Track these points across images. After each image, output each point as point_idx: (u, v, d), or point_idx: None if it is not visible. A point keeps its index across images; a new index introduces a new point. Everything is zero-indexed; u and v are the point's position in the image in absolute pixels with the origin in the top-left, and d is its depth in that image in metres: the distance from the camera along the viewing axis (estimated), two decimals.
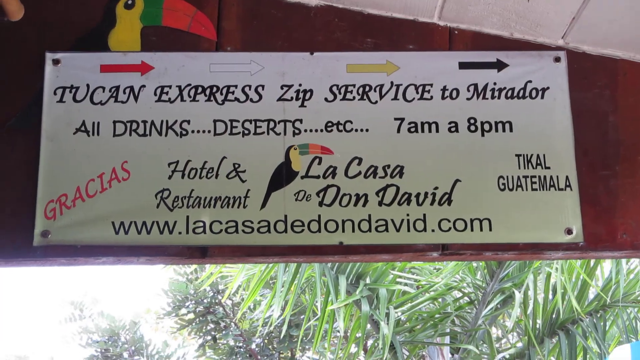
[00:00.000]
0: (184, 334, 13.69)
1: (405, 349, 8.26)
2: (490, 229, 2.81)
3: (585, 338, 7.84)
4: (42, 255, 2.78)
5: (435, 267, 8.34)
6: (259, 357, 12.26)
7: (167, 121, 2.92)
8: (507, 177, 2.88)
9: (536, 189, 2.86)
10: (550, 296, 8.00)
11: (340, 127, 2.93)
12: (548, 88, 3.00)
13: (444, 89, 2.99)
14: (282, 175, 2.86)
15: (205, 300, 12.45)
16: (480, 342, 8.43)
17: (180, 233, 2.78)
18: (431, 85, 2.99)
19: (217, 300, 12.46)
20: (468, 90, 2.99)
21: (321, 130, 2.93)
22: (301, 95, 2.96)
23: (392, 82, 2.99)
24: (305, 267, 7.39)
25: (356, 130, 2.93)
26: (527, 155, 2.91)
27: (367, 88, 2.98)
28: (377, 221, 2.81)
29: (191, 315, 12.71)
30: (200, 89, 2.95)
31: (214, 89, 2.95)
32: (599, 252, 2.87)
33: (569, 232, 2.81)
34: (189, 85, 2.95)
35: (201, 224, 2.79)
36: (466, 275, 8.08)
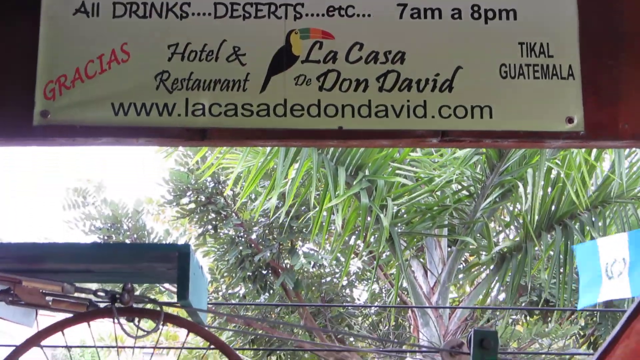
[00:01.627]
0: (185, 224, 13.83)
1: (403, 241, 8.36)
2: (491, 117, 2.79)
3: (583, 233, 7.92)
4: (42, 135, 2.78)
5: (434, 160, 8.36)
6: (259, 247, 12.41)
7: (167, 3, 2.87)
8: (510, 65, 2.85)
9: (538, 78, 2.83)
10: (549, 191, 8.05)
11: (342, 12, 2.88)
12: None
13: None
14: (282, 59, 2.82)
15: (206, 191, 12.53)
16: (478, 235, 8.53)
17: (179, 115, 2.76)
18: None
19: (217, 191, 12.54)
20: None
21: (322, 15, 2.88)
22: None
23: None
24: (304, 158, 7.40)
25: (358, 15, 2.88)
26: (530, 43, 2.87)
27: None
28: (377, 107, 2.79)
29: (192, 205, 12.81)
30: None
31: None
32: (600, 142, 2.87)
33: (570, 120, 2.80)
34: None
35: (200, 107, 2.77)
36: (466, 168, 8.10)
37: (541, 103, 2.81)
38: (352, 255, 10.63)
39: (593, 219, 7.82)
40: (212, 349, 2.78)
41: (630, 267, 4.32)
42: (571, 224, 7.87)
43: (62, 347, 3.29)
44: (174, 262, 2.68)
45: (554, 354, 11.63)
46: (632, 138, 2.84)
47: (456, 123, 2.79)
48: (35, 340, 2.73)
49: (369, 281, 13.46)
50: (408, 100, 2.80)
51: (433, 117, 2.79)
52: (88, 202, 13.81)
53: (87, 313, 2.79)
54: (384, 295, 13.88)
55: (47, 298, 2.92)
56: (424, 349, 8.34)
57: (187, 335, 2.95)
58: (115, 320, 2.72)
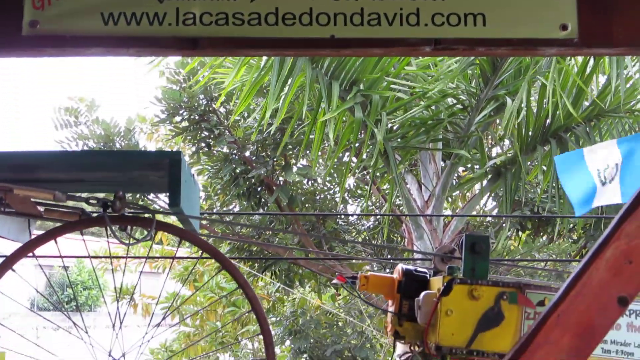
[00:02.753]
0: (179, 142, 13.81)
1: (397, 155, 8.37)
2: (484, 24, 2.76)
3: (578, 147, 7.92)
4: (31, 45, 2.74)
5: (429, 75, 8.30)
6: (253, 164, 12.42)
7: None
8: None
9: None
10: (544, 104, 8.02)
11: None
12: None
13: None
14: None
15: (199, 108, 12.48)
16: (472, 149, 8.53)
17: (170, 24, 2.72)
18: None
19: (210, 108, 12.49)
20: None
21: None
22: None
23: None
24: (298, 72, 7.34)
25: None
26: None
27: None
28: (369, 15, 2.74)
29: (185, 123, 12.78)
30: None
31: None
32: (593, 49, 2.84)
33: (564, 27, 2.76)
34: None
35: (191, 16, 2.73)
36: (460, 82, 8.05)
37: (535, 10, 2.77)
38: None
39: (588, 132, 7.81)
40: (205, 258, 2.81)
41: (621, 173, 4.34)
42: (566, 137, 7.87)
43: (55, 257, 3.31)
44: (165, 169, 2.68)
45: (545, 261, 11.74)
46: (626, 45, 2.81)
47: (449, 31, 2.75)
48: (27, 249, 2.75)
49: (362, 198, 13.51)
50: (401, 8, 2.75)
51: (426, 25, 2.75)
52: (80, 121, 13.76)
53: (79, 221, 2.80)
54: (377, 211, 13.95)
55: (40, 208, 2.93)
56: (416, 256, 8.41)
57: (180, 243, 2.97)
58: (108, 229, 2.74)
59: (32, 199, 2.85)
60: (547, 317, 1.65)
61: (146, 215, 2.92)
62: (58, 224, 2.91)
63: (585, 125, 7.89)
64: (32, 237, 2.98)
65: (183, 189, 2.65)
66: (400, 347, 3.45)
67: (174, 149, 14.39)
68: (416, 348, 2.69)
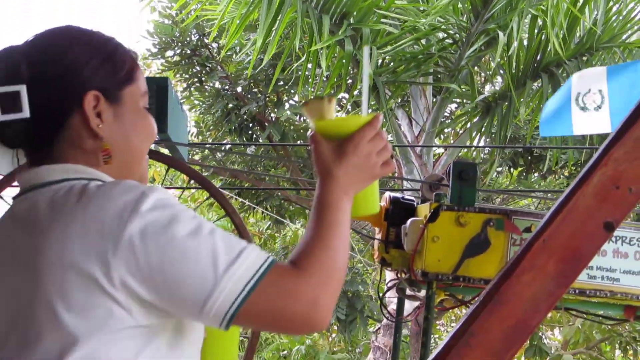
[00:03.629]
0: (171, 78, 13.71)
1: (388, 90, 8.33)
2: None
3: None
4: None
5: (420, 9, 8.21)
6: (245, 100, 12.36)
7: None
8: None
9: None
10: (535, 39, 7.95)
11: None
12: None
13: None
14: None
15: (190, 43, 12.37)
16: (463, 83, 8.49)
17: None
18: None
19: (202, 43, 12.38)
20: None
21: None
22: None
23: None
24: (288, 7, 7.25)
25: None
26: None
27: None
28: None
29: (177, 58, 12.69)
30: None
31: None
32: None
33: None
34: None
35: None
36: (450, 16, 7.96)
37: None
38: (338, 108, 10.60)
39: (580, 66, 7.75)
40: (194, 188, 2.80)
41: (610, 102, 4.31)
42: (557, 72, 7.81)
43: None
44: (152, 96, 2.65)
45: (532, 191, 11.78)
46: None
47: None
48: (12, 179, 2.72)
49: None
50: None
51: None
52: None
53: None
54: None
55: None
56: (405, 186, 8.41)
57: (167, 171, 2.96)
58: None
59: None
60: (532, 243, 1.64)
61: None
62: None
63: (578, 59, 7.83)
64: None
65: (170, 115, 2.63)
66: (389, 276, 3.46)
67: None
68: (403, 275, 2.70)
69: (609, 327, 12.24)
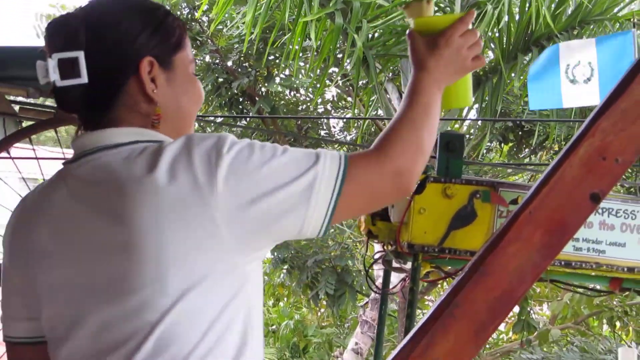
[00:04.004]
0: None
1: (378, 64, 8.29)
2: None
3: None
4: None
5: None
6: (235, 74, 12.31)
7: None
8: None
9: None
10: (526, 11, 7.92)
11: None
12: None
13: None
14: None
15: (180, 17, 12.30)
16: None
17: None
18: None
19: (193, 17, 12.31)
20: None
21: None
22: None
23: None
24: None
25: None
26: None
27: None
28: None
29: None
30: None
31: None
32: None
33: None
34: None
35: None
36: None
37: None
38: (328, 82, 10.57)
39: (571, 39, 7.72)
40: None
41: (600, 74, 4.29)
42: (549, 45, 7.78)
43: (31, 158, 3.27)
44: None
45: (518, 165, 11.79)
46: None
47: None
48: (2, 147, 2.70)
49: (345, 110, 13.46)
50: None
51: None
52: None
53: (52, 119, 2.76)
54: (359, 123, 13.95)
55: (15, 107, 2.88)
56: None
57: None
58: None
59: (5, 97, 2.79)
60: (519, 214, 1.63)
61: None
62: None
63: (569, 32, 7.80)
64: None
65: None
66: (377, 249, 3.46)
67: None
68: (389, 247, 2.69)
69: (598, 302, 12.31)
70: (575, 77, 4.37)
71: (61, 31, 1.51)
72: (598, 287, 2.77)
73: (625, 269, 2.43)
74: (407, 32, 1.77)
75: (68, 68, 1.48)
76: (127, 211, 1.38)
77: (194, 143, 1.42)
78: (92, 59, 1.49)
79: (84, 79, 1.48)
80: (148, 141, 1.50)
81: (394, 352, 1.56)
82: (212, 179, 1.38)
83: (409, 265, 2.59)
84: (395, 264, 2.81)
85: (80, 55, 1.48)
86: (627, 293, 2.81)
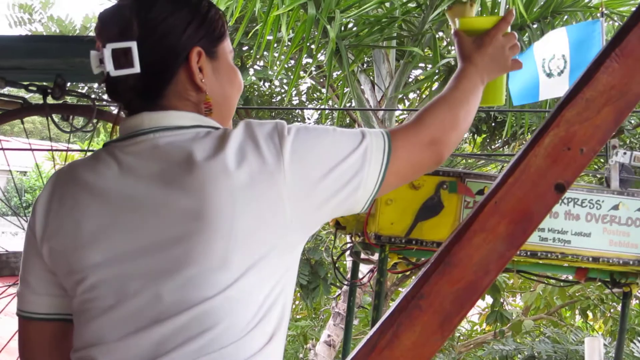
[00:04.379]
0: None
1: (350, 54, 8.27)
2: None
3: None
4: None
5: None
6: None
7: None
8: None
9: None
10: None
11: None
12: None
13: None
14: None
15: None
16: (427, 47, 8.45)
17: None
18: None
19: None
20: None
21: None
22: None
23: None
24: None
25: None
26: None
27: None
28: None
29: None
30: None
31: None
32: None
33: None
34: None
35: None
36: None
37: None
38: (302, 73, 10.53)
39: (543, 30, 7.75)
40: None
41: (571, 66, 4.31)
42: (521, 35, 7.81)
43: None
44: None
45: (487, 155, 11.84)
46: None
47: None
48: None
49: (319, 101, 13.44)
50: None
51: None
52: (34, 18, 13.42)
53: (19, 109, 2.73)
54: (334, 115, 13.94)
55: None
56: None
57: (113, 129, 2.91)
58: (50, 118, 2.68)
59: None
60: (484, 205, 1.63)
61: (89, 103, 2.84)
62: None
63: (541, 22, 7.83)
64: None
65: None
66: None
67: None
68: (357, 238, 2.68)
69: (570, 293, 12.39)
70: (551, 70, 4.39)
71: (115, 21, 1.58)
72: (571, 277, 2.78)
73: (590, 259, 2.44)
74: (453, 31, 1.90)
75: (122, 58, 1.54)
76: (201, 185, 1.44)
77: (255, 128, 1.52)
78: (144, 49, 1.55)
79: (137, 68, 1.54)
80: (209, 127, 1.57)
81: (360, 343, 1.56)
82: (279, 158, 1.47)
83: (377, 257, 2.59)
84: (363, 256, 2.81)
85: (133, 45, 1.54)
86: (599, 283, 2.83)
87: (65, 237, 1.56)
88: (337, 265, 2.99)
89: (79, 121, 3.09)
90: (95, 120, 2.70)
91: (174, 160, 1.49)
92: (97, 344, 1.50)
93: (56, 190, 1.63)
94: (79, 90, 2.93)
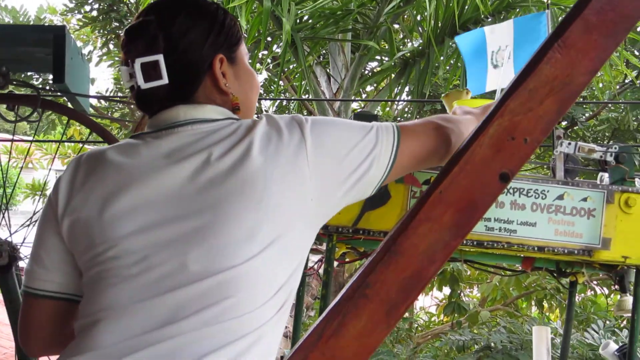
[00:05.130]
0: (90, 35, 13.47)
1: (306, 46, 8.27)
2: None
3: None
4: None
5: None
6: None
7: None
8: None
9: None
10: None
11: None
12: None
13: None
14: None
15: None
16: (382, 40, 8.47)
17: None
18: None
19: None
20: None
21: None
22: None
23: None
24: None
25: None
26: None
27: None
28: None
29: (94, 13, 12.43)
30: None
31: None
32: None
33: None
34: None
35: None
36: None
37: None
38: (257, 65, 10.49)
39: (496, 23, 7.80)
40: (94, 142, 2.73)
41: (515, 56, 4.34)
42: (475, 29, 7.85)
43: None
44: (48, 46, 2.57)
45: None
46: None
47: None
48: None
49: (278, 95, 13.41)
50: None
51: None
52: None
53: None
54: (291, 106, 13.93)
55: None
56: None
57: (68, 123, 2.89)
58: None
59: None
60: (429, 194, 1.64)
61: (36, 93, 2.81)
62: None
63: (495, 16, 7.89)
64: None
65: (68, 65, 2.55)
66: None
67: (84, 40, 14.01)
68: None
69: (526, 284, 12.52)
70: (497, 61, 4.42)
71: (141, 37, 1.66)
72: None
73: (536, 248, 2.46)
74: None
75: (150, 70, 1.63)
76: (234, 163, 1.54)
77: (276, 118, 1.64)
78: (171, 61, 1.65)
79: (165, 79, 1.63)
80: (238, 119, 1.67)
81: (307, 332, 1.56)
82: (301, 141, 1.59)
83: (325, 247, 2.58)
84: (312, 246, 2.80)
85: (160, 58, 1.63)
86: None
87: (91, 209, 1.60)
88: None
89: (25, 111, 3.05)
90: (40, 110, 2.66)
91: (209, 147, 1.57)
92: (108, 308, 1.52)
93: (80, 168, 1.69)
94: (26, 81, 2.90)
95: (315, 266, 3.12)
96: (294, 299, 1.68)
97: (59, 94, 3.07)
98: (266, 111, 14.46)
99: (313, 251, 2.91)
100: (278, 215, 1.54)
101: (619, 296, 2.84)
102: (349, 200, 1.72)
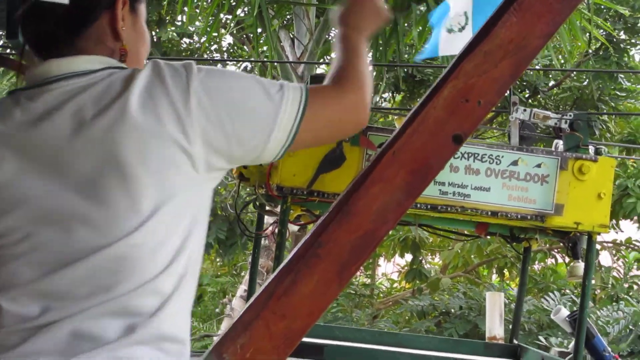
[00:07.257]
0: None
1: (271, 10, 8.20)
2: None
3: None
4: None
5: None
6: None
7: None
8: None
9: None
10: None
11: None
12: None
13: None
14: None
15: None
16: None
17: None
18: None
19: None
20: None
21: None
22: None
23: None
24: None
25: None
26: None
27: None
28: None
29: None
30: None
31: None
32: None
33: None
34: None
35: None
36: None
37: None
38: (222, 30, 10.42)
39: None
40: None
41: (473, 22, 4.35)
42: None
43: None
44: (4, 2, 2.52)
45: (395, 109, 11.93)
46: None
47: None
48: None
49: (242, 60, 13.32)
50: None
51: None
52: None
53: None
54: (256, 71, 13.85)
55: None
56: None
57: (18, 77, 2.84)
58: None
59: None
60: (382, 155, 1.64)
61: None
62: None
63: None
64: None
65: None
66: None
67: None
68: (260, 190, 2.67)
69: (488, 251, 12.65)
70: (452, 26, 4.42)
71: None
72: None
73: (489, 213, 2.48)
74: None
75: None
76: (109, 128, 1.44)
77: (162, 67, 1.52)
78: None
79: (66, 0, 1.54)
80: (119, 68, 1.57)
81: (258, 291, 1.56)
82: (186, 96, 1.48)
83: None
84: (268, 207, 2.80)
85: None
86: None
87: None
88: (241, 218, 2.97)
89: None
90: None
91: (84, 105, 1.48)
92: (4, 289, 1.47)
93: None
94: None
95: (271, 228, 3.11)
96: (197, 272, 1.58)
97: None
98: None
99: (268, 213, 2.91)
100: (160, 182, 1.45)
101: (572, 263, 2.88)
102: (241, 163, 1.67)
